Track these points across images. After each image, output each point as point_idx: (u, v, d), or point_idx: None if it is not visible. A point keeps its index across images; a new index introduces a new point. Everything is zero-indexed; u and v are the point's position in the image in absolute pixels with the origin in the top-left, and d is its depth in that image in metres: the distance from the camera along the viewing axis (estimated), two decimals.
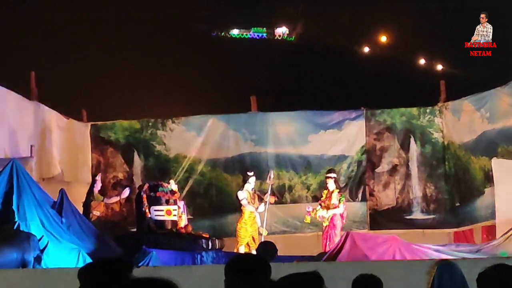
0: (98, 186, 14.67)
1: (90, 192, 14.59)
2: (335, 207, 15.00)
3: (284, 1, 36.20)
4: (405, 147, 18.26)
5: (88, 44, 27.01)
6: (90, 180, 15.70)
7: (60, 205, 12.20)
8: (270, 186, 15.76)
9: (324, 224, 15.04)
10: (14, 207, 11.67)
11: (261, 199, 15.43)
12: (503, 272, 4.58)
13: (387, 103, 19.06)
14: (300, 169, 18.35)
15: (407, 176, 18.16)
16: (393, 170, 18.24)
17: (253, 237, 14.99)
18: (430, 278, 5.72)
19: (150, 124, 18.58)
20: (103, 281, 4.35)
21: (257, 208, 15.18)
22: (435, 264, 5.79)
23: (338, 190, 15.31)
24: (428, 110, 18.28)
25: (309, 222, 15.48)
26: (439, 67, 34.15)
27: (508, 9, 20.43)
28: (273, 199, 15.63)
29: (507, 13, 19.99)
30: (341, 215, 15.09)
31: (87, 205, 14.33)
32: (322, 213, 14.98)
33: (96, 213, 14.26)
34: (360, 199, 18.19)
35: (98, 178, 14.93)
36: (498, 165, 15.61)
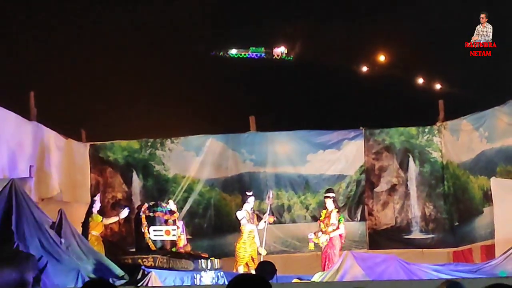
0: (97, 206, 14.62)
1: (89, 212, 14.55)
2: (336, 228, 14.97)
3: (282, 21, 36.29)
4: (404, 166, 18.25)
5: (87, 65, 27.07)
6: (89, 200, 15.65)
7: (59, 226, 12.18)
8: (269, 206, 15.77)
9: (323, 244, 15.01)
10: (13, 227, 11.65)
11: (260, 219, 15.42)
12: None
13: (386, 123, 19.08)
14: (299, 188, 18.33)
15: (406, 195, 18.14)
16: (392, 189, 18.23)
17: (252, 257, 14.96)
18: None
19: (149, 144, 18.58)
20: None
21: (257, 225, 15.15)
22: (443, 284, 5.82)
23: (337, 210, 15.28)
24: (426, 130, 18.29)
25: (313, 248, 15.37)
26: (438, 86, 34.19)
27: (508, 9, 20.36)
28: (272, 219, 15.63)
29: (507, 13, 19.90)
30: (340, 235, 15.06)
31: (86, 225, 14.29)
32: (324, 238, 14.92)
33: (95, 233, 14.22)
34: (359, 218, 18.16)
35: (97, 198, 14.88)
36: (497, 185, 15.59)
